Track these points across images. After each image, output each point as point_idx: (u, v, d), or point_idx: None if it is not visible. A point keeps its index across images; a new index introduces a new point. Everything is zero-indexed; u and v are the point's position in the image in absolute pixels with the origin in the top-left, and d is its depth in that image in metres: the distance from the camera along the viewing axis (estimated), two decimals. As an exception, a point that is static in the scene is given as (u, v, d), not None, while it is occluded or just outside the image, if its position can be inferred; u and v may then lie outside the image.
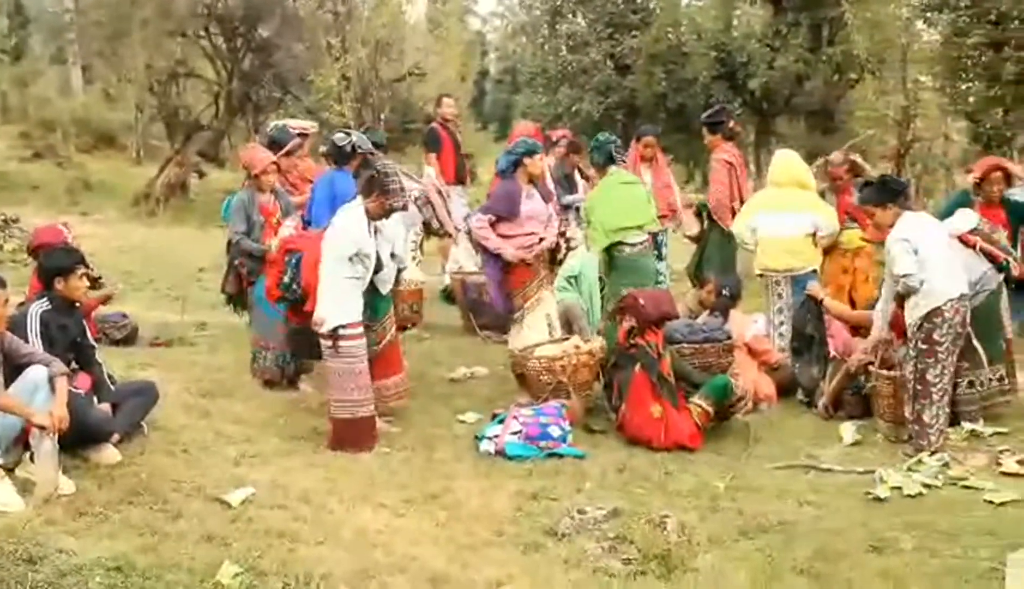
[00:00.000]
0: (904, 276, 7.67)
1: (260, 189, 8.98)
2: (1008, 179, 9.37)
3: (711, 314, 9.52)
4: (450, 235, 11.51)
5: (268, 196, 9.02)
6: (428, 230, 11.25)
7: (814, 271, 9.65)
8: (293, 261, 7.83)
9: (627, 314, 8.33)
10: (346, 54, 23.99)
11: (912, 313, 7.71)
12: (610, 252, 9.12)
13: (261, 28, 24.83)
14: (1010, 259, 8.31)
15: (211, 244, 16.03)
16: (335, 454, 7.27)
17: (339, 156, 9.00)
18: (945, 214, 8.86)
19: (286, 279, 7.84)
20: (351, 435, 7.42)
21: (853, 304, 9.64)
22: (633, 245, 9.07)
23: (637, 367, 8.05)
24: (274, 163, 9.09)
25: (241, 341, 9.76)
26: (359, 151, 8.91)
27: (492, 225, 8.94)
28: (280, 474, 6.71)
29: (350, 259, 7.34)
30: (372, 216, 7.49)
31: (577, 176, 12.04)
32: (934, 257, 7.67)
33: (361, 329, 7.47)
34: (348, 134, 9.20)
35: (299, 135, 10.14)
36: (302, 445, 7.47)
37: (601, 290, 9.93)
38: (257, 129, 23.80)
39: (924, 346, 7.62)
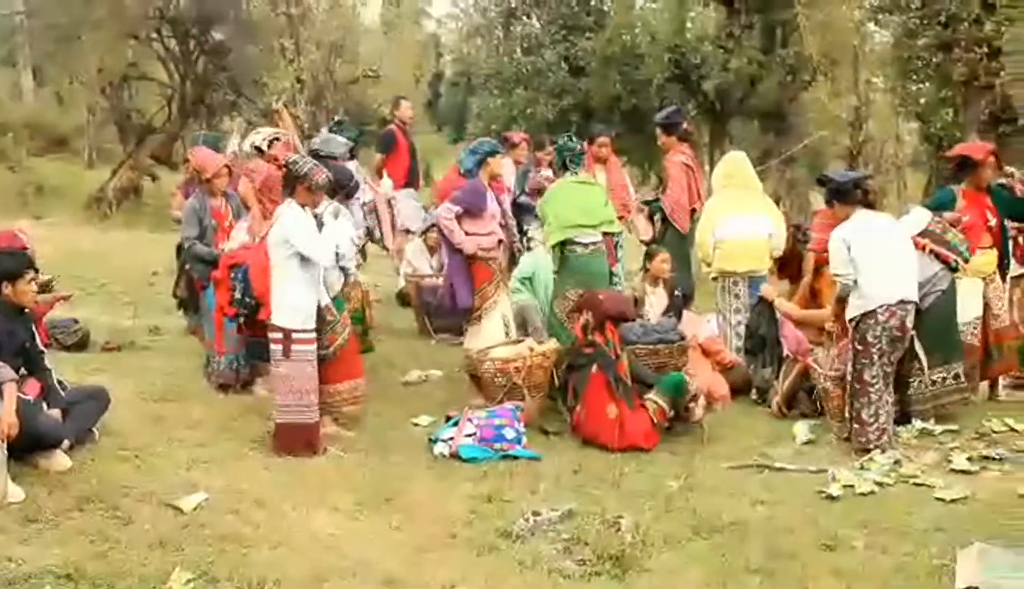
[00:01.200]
0: (836, 275, 7.77)
1: (211, 193, 8.93)
2: (1000, 167, 9.41)
3: (665, 314, 9.54)
4: (387, 249, 11.57)
5: (220, 200, 8.98)
6: (370, 237, 11.21)
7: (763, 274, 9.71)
8: (239, 275, 7.81)
9: (584, 310, 8.34)
10: (300, 56, 23.94)
11: (848, 312, 7.79)
12: (563, 251, 9.09)
13: (214, 31, 24.63)
14: (959, 260, 8.35)
15: (164, 248, 15.83)
16: (288, 458, 7.22)
17: None
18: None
19: (237, 295, 7.83)
20: (296, 440, 7.37)
21: None
22: (585, 245, 9.04)
23: (594, 367, 8.06)
24: (226, 167, 9.05)
25: (194, 346, 9.70)
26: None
27: (458, 219, 8.93)
28: (233, 479, 6.68)
29: (299, 259, 7.30)
30: (310, 204, 7.47)
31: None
32: (872, 259, 7.73)
33: (313, 334, 7.43)
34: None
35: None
36: (256, 449, 7.42)
37: None
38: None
39: (860, 347, 7.71)
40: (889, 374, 7.80)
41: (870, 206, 8.11)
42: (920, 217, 8.62)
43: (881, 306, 7.63)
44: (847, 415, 7.84)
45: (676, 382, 8.17)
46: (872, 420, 7.69)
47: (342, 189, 8.13)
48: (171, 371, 9.21)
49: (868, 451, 7.56)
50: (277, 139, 9.44)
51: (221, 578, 5.20)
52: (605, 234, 9.21)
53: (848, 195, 8.10)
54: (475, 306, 9.00)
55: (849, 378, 7.81)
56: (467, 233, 8.91)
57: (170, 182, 23.00)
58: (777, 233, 9.75)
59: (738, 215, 9.72)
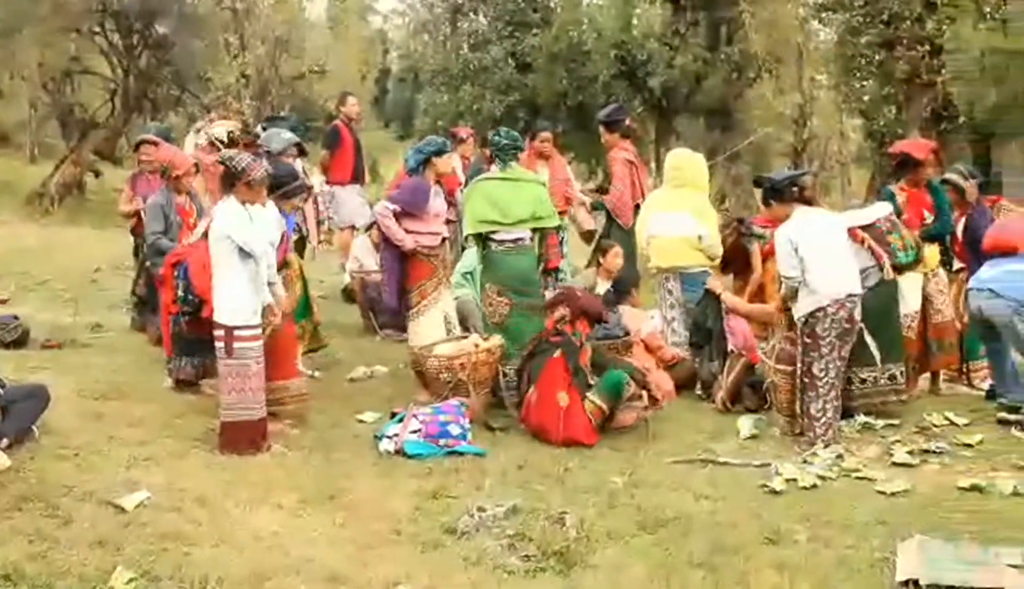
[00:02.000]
0: (785, 278, 7.83)
1: (178, 191, 8.87)
2: (940, 164, 9.49)
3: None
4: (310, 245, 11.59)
5: (184, 197, 8.93)
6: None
7: (706, 271, 9.74)
8: (181, 272, 7.75)
9: (561, 305, 8.36)
10: (245, 51, 23.82)
11: (798, 310, 7.85)
12: (484, 247, 9.06)
13: (158, 25, 24.42)
14: (886, 263, 8.38)
15: (107, 244, 15.77)
16: (232, 456, 7.15)
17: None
18: None
19: (180, 292, 7.77)
20: (242, 438, 7.30)
21: None
22: (502, 242, 8.98)
23: (557, 352, 8.08)
24: (195, 165, 9.01)
25: (136, 343, 9.61)
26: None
27: (397, 218, 8.88)
28: (175, 477, 6.60)
29: (240, 255, 7.25)
30: (251, 200, 7.41)
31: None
32: (817, 256, 7.80)
33: (258, 330, 7.38)
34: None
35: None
36: (198, 447, 7.33)
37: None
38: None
39: (809, 340, 7.77)
40: (840, 368, 7.86)
41: (808, 203, 8.17)
42: (876, 209, 8.71)
43: (831, 301, 7.69)
44: (798, 409, 7.90)
45: (616, 382, 8.13)
46: (820, 414, 7.76)
47: (279, 188, 7.97)
48: (113, 368, 9.11)
49: (824, 446, 7.61)
50: (233, 132, 9.42)
51: (163, 577, 5.14)
52: (537, 230, 9.17)
53: (785, 194, 8.15)
54: (414, 303, 8.96)
55: (799, 372, 7.87)
56: (408, 231, 8.87)
57: (114, 178, 22.85)
58: (707, 234, 9.72)
59: (668, 213, 9.73)
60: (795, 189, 8.14)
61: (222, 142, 9.35)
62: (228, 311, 7.26)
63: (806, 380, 7.81)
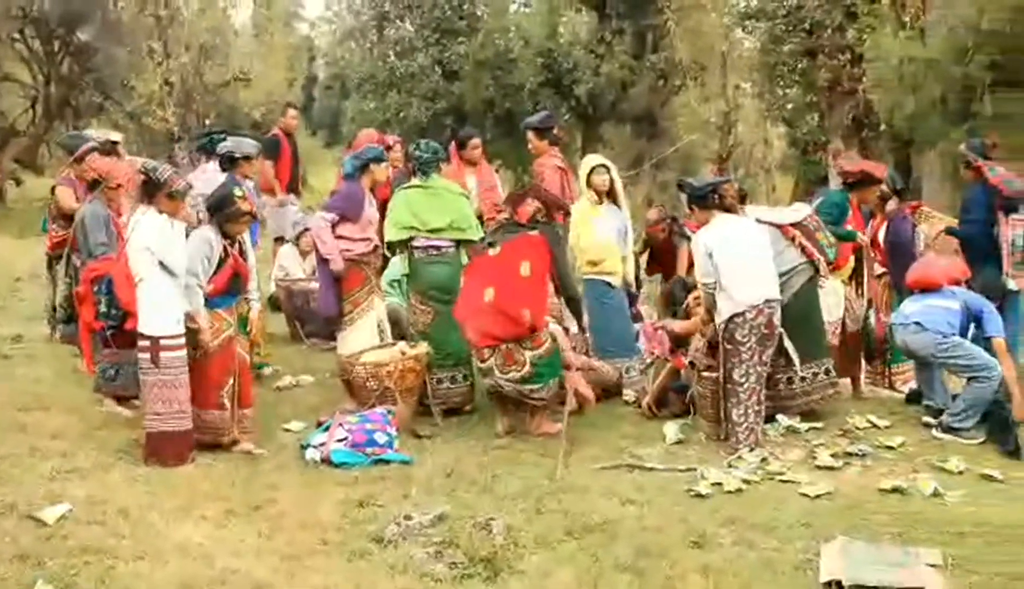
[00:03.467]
0: (703, 284, 7.92)
1: (111, 201, 8.73)
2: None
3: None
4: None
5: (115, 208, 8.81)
6: None
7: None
8: (103, 287, 7.62)
9: (529, 198, 8.42)
10: (169, 59, 23.58)
11: (718, 316, 7.92)
12: (409, 256, 9.05)
13: (80, 31, 24.16)
14: (821, 261, 8.53)
15: (28, 254, 15.52)
16: (156, 467, 7.09)
17: None
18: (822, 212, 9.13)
19: (103, 308, 7.65)
20: (167, 449, 7.24)
21: None
22: (424, 249, 8.96)
23: (535, 231, 8.33)
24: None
25: (58, 353, 9.48)
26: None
27: (333, 226, 8.84)
28: (98, 489, 6.54)
29: (161, 267, 7.18)
30: (171, 212, 7.36)
31: None
32: (734, 263, 7.88)
33: (182, 340, 7.31)
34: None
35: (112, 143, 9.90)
36: (122, 459, 7.28)
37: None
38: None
39: (729, 346, 7.84)
40: (761, 373, 7.93)
41: (728, 210, 8.30)
42: (800, 208, 8.85)
43: (749, 307, 7.77)
44: (721, 415, 7.96)
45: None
46: (742, 419, 7.83)
47: (220, 211, 7.80)
48: (34, 379, 9.01)
49: (748, 450, 7.67)
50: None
51: (85, 590, 5.09)
52: (459, 241, 9.13)
53: (706, 200, 8.24)
54: (346, 311, 8.92)
55: (721, 378, 7.94)
56: (343, 237, 8.85)
57: (36, 187, 22.53)
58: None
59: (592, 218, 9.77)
60: (716, 196, 8.24)
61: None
62: (153, 322, 7.18)
63: (728, 386, 7.88)
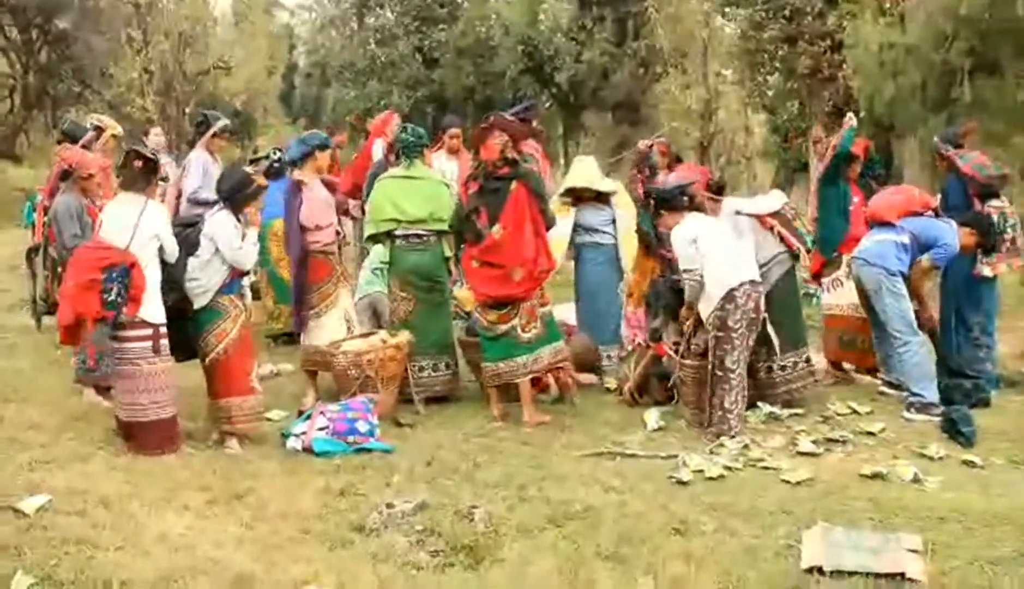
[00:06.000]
0: (687, 271, 7.91)
1: (85, 191, 8.64)
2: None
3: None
4: None
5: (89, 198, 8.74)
6: None
7: None
8: (116, 275, 7.26)
9: (495, 131, 8.43)
10: (148, 47, 23.47)
11: (707, 306, 7.92)
12: (391, 243, 9.00)
13: (58, 20, 24.04)
14: (802, 248, 8.60)
15: (7, 244, 15.46)
16: (136, 457, 7.05)
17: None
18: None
19: (111, 296, 7.25)
20: (155, 437, 7.21)
21: None
22: (405, 238, 8.92)
23: (514, 184, 8.20)
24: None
25: (36, 344, 9.43)
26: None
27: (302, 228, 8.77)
28: (78, 479, 6.49)
29: (160, 254, 7.18)
30: (152, 197, 7.38)
31: None
32: (717, 248, 7.96)
33: (165, 329, 7.28)
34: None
35: (97, 130, 9.80)
36: (102, 449, 7.23)
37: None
38: (56, 124, 23.05)
39: (720, 333, 7.84)
40: (747, 359, 7.97)
41: (698, 209, 8.34)
42: (775, 197, 8.89)
43: (740, 285, 7.80)
44: (709, 403, 7.96)
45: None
46: (734, 406, 7.84)
47: (240, 192, 7.62)
48: (13, 371, 8.98)
49: (731, 437, 7.69)
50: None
51: (65, 582, 5.04)
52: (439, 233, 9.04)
53: (675, 202, 8.30)
54: (315, 304, 8.79)
55: (710, 366, 7.94)
56: (306, 229, 8.72)
57: (14, 176, 22.41)
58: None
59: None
60: (685, 197, 8.32)
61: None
62: (154, 309, 7.17)
63: (719, 373, 7.87)
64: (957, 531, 5.85)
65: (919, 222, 8.66)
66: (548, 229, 8.44)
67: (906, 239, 8.51)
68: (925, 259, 8.54)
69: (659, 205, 8.43)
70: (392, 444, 7.61)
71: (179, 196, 10.32)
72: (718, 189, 9.27)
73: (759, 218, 8.54)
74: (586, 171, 10.08)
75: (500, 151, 8.30)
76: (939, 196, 9.48)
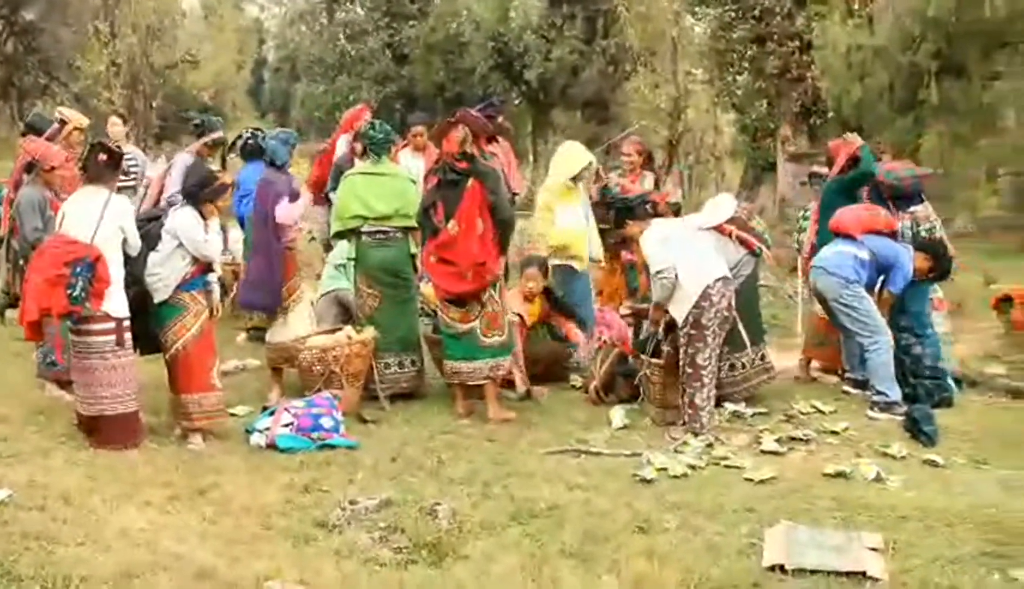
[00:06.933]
0: (659, 272, 7.89)
1: (49, 184, 8.54)
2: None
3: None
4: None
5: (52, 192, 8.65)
6: None
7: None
8: (82, 269, 7.16)
9: (457, 125, 8.45)
10: (115, 39, 23.31)
11: (681, 307, 7.90)
12: (357, 240, 8.97)
13: (25, 11, 23.85)
14: (763, 247, 8.67)
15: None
16: (98, 452, 7.01)
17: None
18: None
19: (77, 292, 7.17)
20: (124, 431, 7.20)
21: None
22: (370, 235, 8.87)
23: (470, 182, 8.16)
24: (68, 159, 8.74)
25: (-1, 337, 9.38)
26: None
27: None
28: (39, 474, 6.46)
29: (124, 248, 7.14)
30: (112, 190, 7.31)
31: None
32: (687, 248, 8.02)
33: (128, 323, 7.24)
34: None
35: (61, 123, 9.71)
36: (64, 443, 7.20)
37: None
38: (21, 116, 22.89)
39: (693, 331, 7.84)
40: (718, 357, 8.00)
41: (661, 216, 8.41)
42: (726, 204, 8.89)
43: (714, 282, 7.81)
44: (682, 401, 7.96)
45: None
46: (705, 403, 7.85)
47: (204, 189, 7.59)
48: (-27, 365, 8.89)
49: (699, 435, 7.71)
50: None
51: (25, 577, 5.01)
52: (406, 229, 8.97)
53: (638, 211, 8.40)
54: (283, 299, 8.72)
55: (682, 364, 7.94)
56: (280, 224, 8.68)
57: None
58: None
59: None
60: (648, 206, 8.44)
61: None
62: (118, 303, 7.13)
63: (690, 371, 7.86)
64: (919, 530, 5.88)
65: (879, 241, 8.76)
66: (509, 228, 8.45)
67: (866, 255, 8.61)
68: (886, 293, 8.72)
69: (623, 216, 8.47)
70: (356, 440, 7.59)
71: (161, 192, 10.23)
72: (675, 214, 9.38)
73: (717, 227, 8.55)
74: (579, 153, 10.03)
75: (459, 144, 8.30)
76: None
